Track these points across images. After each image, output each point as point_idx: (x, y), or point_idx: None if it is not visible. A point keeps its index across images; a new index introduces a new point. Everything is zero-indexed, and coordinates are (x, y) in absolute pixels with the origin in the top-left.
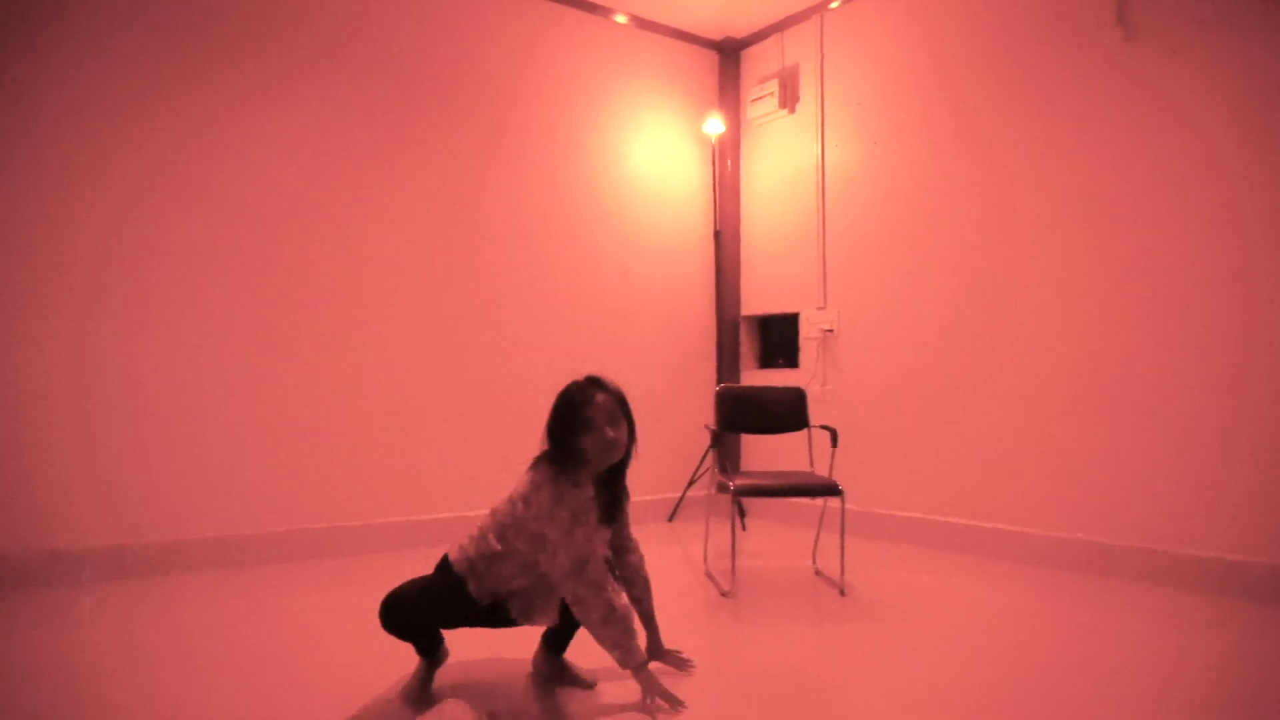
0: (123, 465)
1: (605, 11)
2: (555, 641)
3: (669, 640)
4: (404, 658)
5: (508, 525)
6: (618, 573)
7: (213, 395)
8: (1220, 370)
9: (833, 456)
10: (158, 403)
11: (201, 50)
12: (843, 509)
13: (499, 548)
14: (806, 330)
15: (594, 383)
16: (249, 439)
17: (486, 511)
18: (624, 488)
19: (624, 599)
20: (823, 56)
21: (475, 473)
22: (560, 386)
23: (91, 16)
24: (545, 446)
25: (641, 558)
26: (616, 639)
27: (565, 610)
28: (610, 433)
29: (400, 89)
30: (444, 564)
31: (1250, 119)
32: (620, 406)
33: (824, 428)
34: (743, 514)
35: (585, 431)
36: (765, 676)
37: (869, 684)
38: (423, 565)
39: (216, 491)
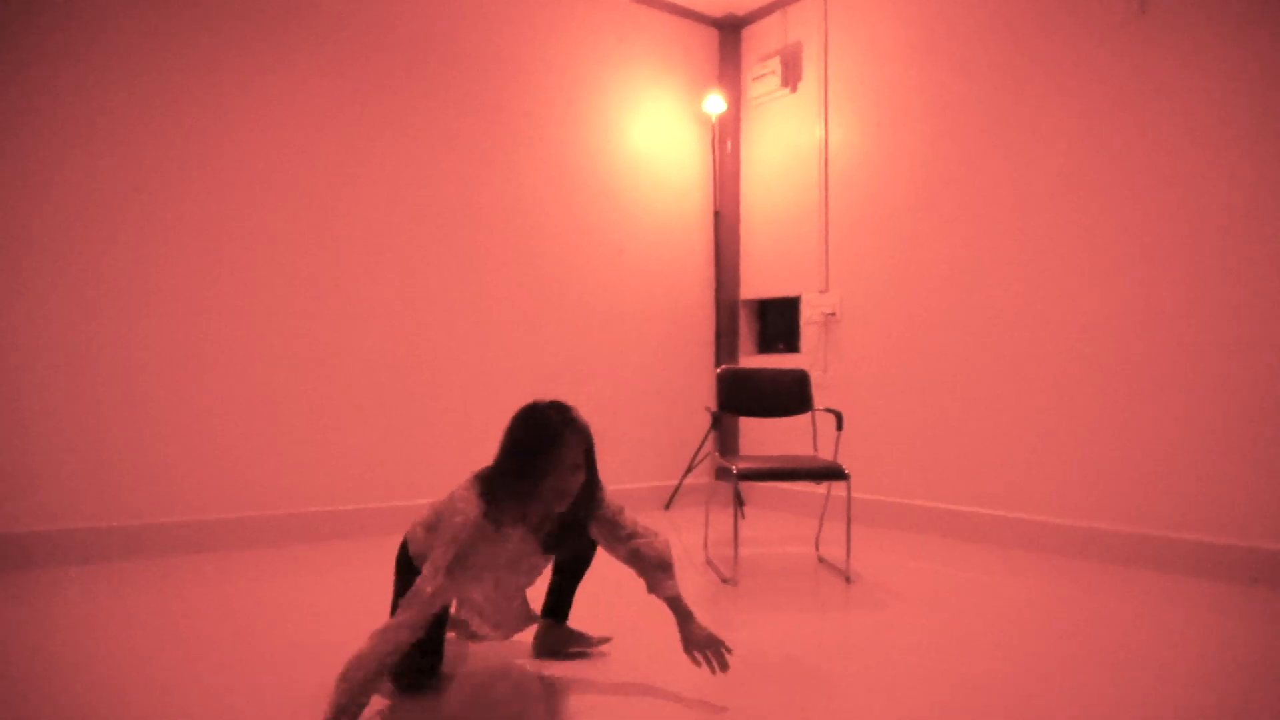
0: (119, 448)
1: None
2: (555, 607)
3: (661, 628)
4: None
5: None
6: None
7: (208, 379)
8: (1221, 354)
9: (837, 440)
10: (154, 386)
11: (196, 27)
12: (848, 494)
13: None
14: (808, 314)
15: (564, 417)
16: (244, 422)
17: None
18: (587, 540)
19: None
20: (827, 34)
21: (474, 455)
22: (557, 368)
23: None
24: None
25: (665, 542)
26: (340, 690)
27: (565, 566)
28: (569, 479)
29: (398, 64)
30: (403, 552)
31: (1263, 102)
32: (588, 450)
33: (829, 410)
34: (741, 502)
35: (545, 474)
36: (771, 666)
37: (877, 673)
38: None
39: (213, 475)
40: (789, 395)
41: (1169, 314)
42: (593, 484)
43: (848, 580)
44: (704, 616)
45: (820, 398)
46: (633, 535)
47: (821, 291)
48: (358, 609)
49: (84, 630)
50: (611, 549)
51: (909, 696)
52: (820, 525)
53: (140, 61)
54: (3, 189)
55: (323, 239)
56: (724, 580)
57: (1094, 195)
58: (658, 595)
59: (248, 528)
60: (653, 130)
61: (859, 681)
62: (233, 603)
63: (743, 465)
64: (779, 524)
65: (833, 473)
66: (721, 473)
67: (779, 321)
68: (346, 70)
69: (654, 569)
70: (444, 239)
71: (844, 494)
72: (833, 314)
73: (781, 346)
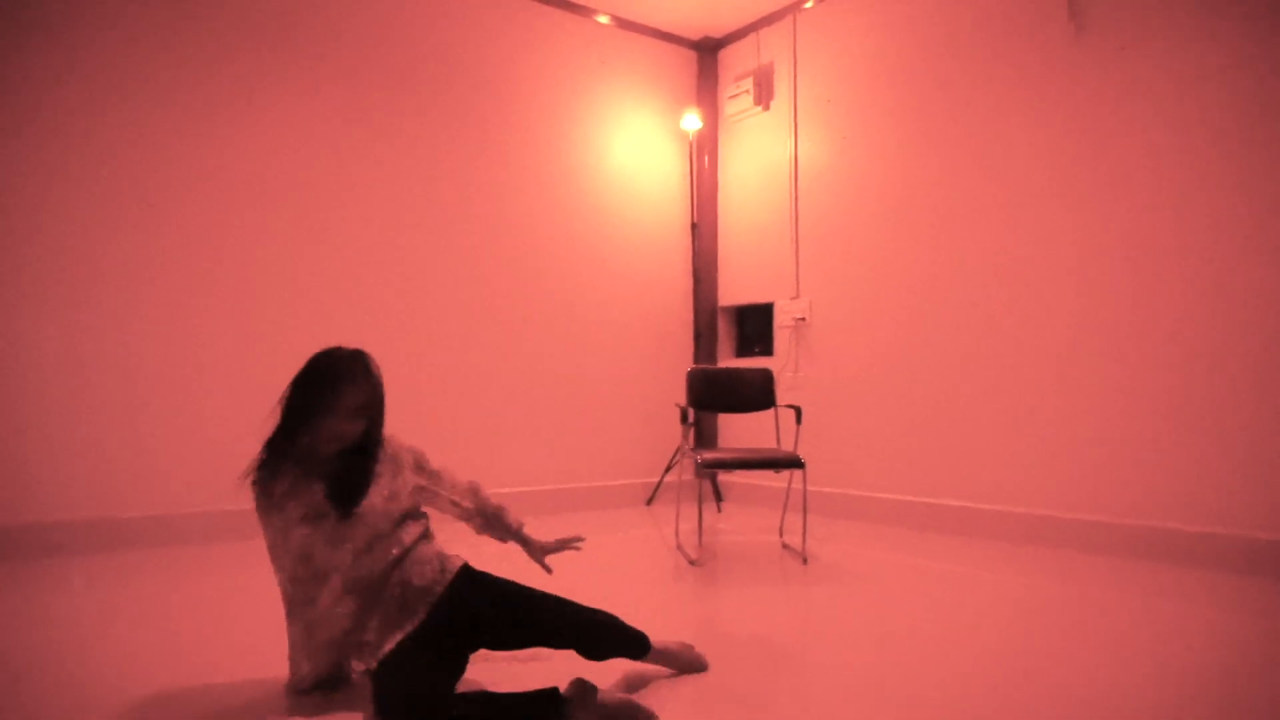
0: (115, 440)
1: (587, 12)
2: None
3: (640, 608)
4: None
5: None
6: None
7: (203, 375)
8: (1180, 350)
9: (797, 433)
10: (150, 381)
11: (194, 43)
12: (804, 481)
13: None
14: (781, 319)
15: (358, 359)
16: (238, 418)
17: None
18: (365, 471)
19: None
20: (796, 55)
21: (464, 456)
22: (544, 373)
23: (89, 8)
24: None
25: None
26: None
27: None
28: (348, 424)
29: (387, 85)
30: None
31: (1191, 113)
32: (375, 400)
33: (789, 406)
34: (719, 497)
35: (325, 411)
36: (728, 635)
37: (826, 641)
38: None
39: (206, 468)
40: (753, 393)
41: (1129, 314)
42: (375, 437)
43: (804, 561)
44: (669, 592)
45: (792, 397)
46: (455, 486)
47: (793, 298)
48: None
49: (82, 621)
50: (437, 502)
51: (858, 666)
52: (783, 514)
53: (144, 72)
54: (8, 194)
55: (317, 247)
56: (691, 562)
57: (1052, 202)
58: (508, 532)
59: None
60: (634, 147)
61: (810, 647)
62: (230, 593)
63: (708, 455)
64: (753, 518)
65: (790, 462)
66: (696, 464)
67: (755, 326)
68: (342, 87)
69: (496, 510)
70: (436, 249)
71: (810, 485)
72: (803, 319)
73: (758, 350)
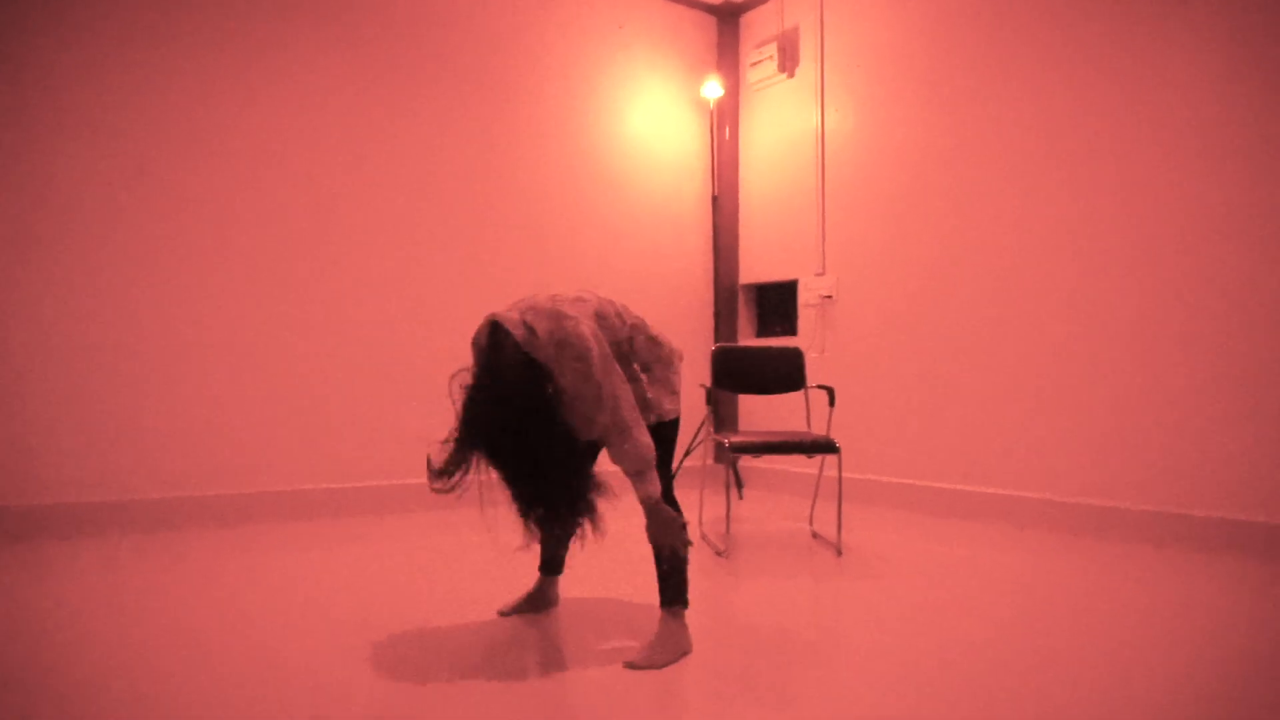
0: (120, 423)
1: None
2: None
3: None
4: (388, 615)
5: None
6: None
7: (210, 356)
8: (1215, 329)
9: (830, 416)
10: (156, 362)
11: (201, 9)
12: (839, 467)
13: None
14: (805, 297)
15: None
16: (246, 400)
17: None
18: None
19: None
20: (822, 19)
21: None
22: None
23: None
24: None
25: None
26: None
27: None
28: None
29: (399, 53)
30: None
31: (1237, 80)
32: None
33: (821, 387)
34: (740, 484)
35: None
36: (759, 634)
37: (865, 641)
38: (414, 529)
39: (213, 451)
40: (782, 372)
41: (1162, 292)
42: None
43: (839, 553)
44: (697, 588)
45: (817, 378)
46: None
47: (818, 274)
48: (351, 581)
49: (85, 603)
50: None
51: (896, 665)
52: (814, 501)
53: (155, 42)
54: (7, 172)
55: (327, 219)
56: (717, 553)
57: (1087, 176)
58: None
59: (245, 504)
60: (652, 116)
61: (848, 649)
62: (230, 576)
63: (736, 439)
64: (777, 505)
65: (824, 446)
66: (718, 450)
67: (777, 304)
68: (352, 54)
69: None
70: (448, 221)
71: (838, 472)
72: (829, 296)
73: (779, 329)
